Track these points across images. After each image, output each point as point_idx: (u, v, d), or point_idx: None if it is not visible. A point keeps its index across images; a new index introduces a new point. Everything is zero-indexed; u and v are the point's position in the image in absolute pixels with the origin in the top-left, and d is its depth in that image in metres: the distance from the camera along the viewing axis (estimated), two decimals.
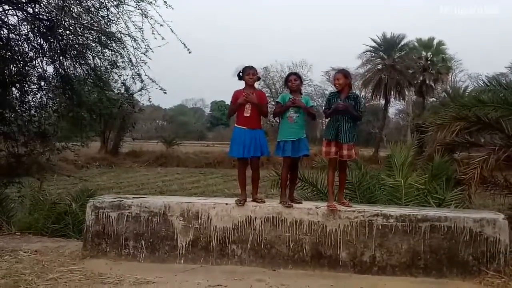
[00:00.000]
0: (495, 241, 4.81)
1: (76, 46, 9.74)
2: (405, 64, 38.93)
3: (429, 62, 38.95)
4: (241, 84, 5.44)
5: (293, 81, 5.39)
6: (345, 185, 5.75)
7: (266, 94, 6.25)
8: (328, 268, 4.99)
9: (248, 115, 5.30)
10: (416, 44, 39.75)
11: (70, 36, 9.70)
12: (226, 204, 5.29)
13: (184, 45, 9.22)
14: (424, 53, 39.42)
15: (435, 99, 37.52)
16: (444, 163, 7.43)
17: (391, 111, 48.59)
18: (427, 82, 38.40)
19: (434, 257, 4.86)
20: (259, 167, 5.47)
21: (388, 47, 39.91)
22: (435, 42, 39.15)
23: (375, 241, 4.95)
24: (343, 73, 5.39)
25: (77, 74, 10.29)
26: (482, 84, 8.79)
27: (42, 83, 10.36)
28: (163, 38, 8.91)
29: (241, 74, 5.42)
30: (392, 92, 40.00)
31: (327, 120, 5.42)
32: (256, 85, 5.60)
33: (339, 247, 5.00)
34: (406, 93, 40.80)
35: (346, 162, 5.41)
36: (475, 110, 7.44)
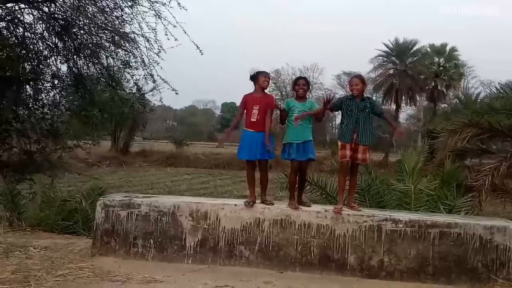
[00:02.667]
0: (505, 249, 4.77)
1: (90, 45, 9.85)
2: (417, 70, 38.76)
3: (441, 68, 38.73)
4: (251, 88, 5.45)
5: (301, 85, 5.39)
6: (355, 189, 5.71)
7: (277, 97, 6.27)
8: (335, 272, 4.98)
9: (255, 120, 5.30)
10: (428, 49, 39.58)
11: (84, 36, 9.81)
12: (235, 205, 5.30)
13: (197, 46, 9.30)
14: (436, 59, 39.21)
15: (446, 105, 37.21)
16: (455, 170, 7.38)
17: (402, 116, 48.28)
18: (439, 88, 38.18)
19: (443, 264, 4.83)
20: (267, 169, 5.48)
21: (400, 52, 39.79)
22: (447, 48, 38.95)
23: (384, 246, 4.93)
24: (361, 79, 5.43)
25: (90, 73, 10.41)
26: (495, 91, 8.73)
27: (56, 82, 10.50)
28: (176, 39, 8.99)
29: (254, 76, 5.43)
30: (404, 97, 39.84)
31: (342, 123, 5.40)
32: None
33: (347, 251, 4.99)
34: (418, 98, 40.61)
35: (358, 165, 5.40)
36: (487, 117, 7.39)
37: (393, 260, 4.91)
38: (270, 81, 5.69)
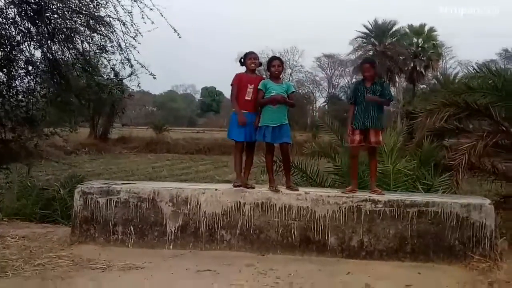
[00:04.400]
0: (481, 226, 4.86)
1: (64, 30, 9.59)
2: (396, 51, 39.00)
3: (420, 48, 39.08)
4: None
5: (277, 67, 5.35)
6: (376, 172, 5.65)
7: None
8: (316, 253, 5.03)
9: (250, 98, 5.29)
10: (407, 30, 39.86)
11: (58, 20, 9.54)
12: (216, 189, 5.29)
13: (174, 29, 9.13)
14: (415, 40, 39.53)
15: (425, 86, 37.70)
16: (433, 149, 7.47)
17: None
18: (418, 68, 38.56)
19: (421, 242, 4.91)
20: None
21: (379, 33, 39.95)
22: (426, 28, 39.28)
23: (363, 226, 4.99)
24: (372, 64, 5.45)
25: (66, 59, 10.15)
26: (472, 71, 8.81)
27: (30, 68, 10.21)
28: (152, 23, 8.81)
29: (242, 59, 5.45)
30: (383, 78, 40.05)
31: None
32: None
33: (328, 232, 5.03)
34: (397, 79, 40.97)
35: (375, 149, 5.44)
36: (465, 96, 7.46)
37: (372, 240, 4.97)
38: (262, 63, 5.65)
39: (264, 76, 6.35)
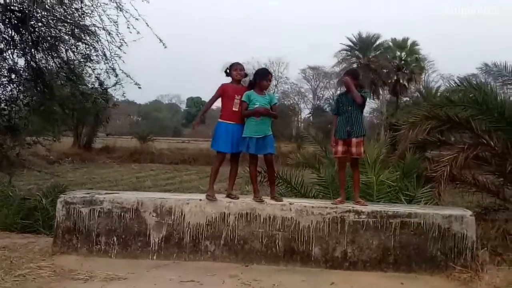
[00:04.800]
0: (462, 237, 4.93)
1: (49, 38, 9.55)
2: (379, 64, 39.50)
3: (403, 62, 39.63)
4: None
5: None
6: (359, 183, 5.66)
7: None
8: (300, 264, 5.04)
9: (237, 109, 5.31)
10: (390, 44, 40.43)
11: (43, 28, 9.51)
12: (200, 200, 5.28)
13: (160, 39, 9.15)
14: (398, 53, 40.09)
15: (408, 99, 38.13)
16: (416, 161, 7.58)
17: (366, 109, 49.06)
18: (401, 81, 39.08)
19: (403, 253, 4.96)
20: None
21: (363, 46, 40.46)
22: (409, 42, 39.89)
23: (347, 237, 5.02)
24: (351, 74, 5.55)
25: (50, 67, 10.08)
26: (454, 85, 8.97)
27: (13, 76, 10.12)
28: (138, 32, 8.82)
29: (228, 70, 5.46)
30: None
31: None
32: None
33: (312, 243, 5.05)
34: (381, 92, 41.40)
35: (356, 160, 5.47)
36: (446, 109, 7.60)
37: (356, 251, 5.01)
38: (247, 74, 5.68)
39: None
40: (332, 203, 5.25)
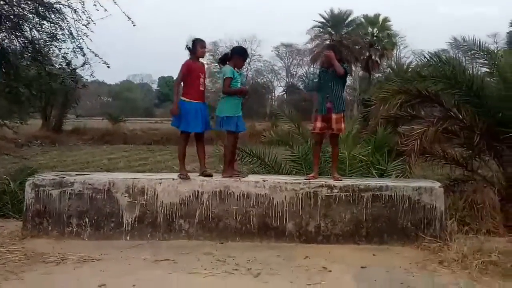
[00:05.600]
0: (432, 208, 5.06)
1: (12, 17, 9.19)
2: (352, 40, 39.71)
3: (375, 38, 39.89)
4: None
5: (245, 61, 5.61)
6: (337, 159, 5.74)
7: (215, 70, 6.17)
8: (275, 239, 5.09)
9: (203, 89, 5.30)
10: (362, 20, 40.62)
11: (5, 7, 9.13)
12: (173, 179, 5.25)
13: (128, 17, 8.93)
14: (370, 29, 40.33)
15: (380, 75, 38.50)
16: (387, 136, 7.66)
17: None
18: (373, 57, 39.43)
19: (375, 225, 5.06)
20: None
21: (335, 23, 40.55)
22: (380, 18, 40.16)
23: (320, 211, 5.08)
24: (333, 49, 5.53)
25: (14, 47, 9.74)
26: (424, 60, 9.05)
27: None
28: (105, 10, 8.58)
29: (192, 46, 5.32)
30: None
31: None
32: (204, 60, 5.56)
33: (286, 218, 5.10)
34: (353, 68, 41.68)
35: (336, 136, 5.51)
36: (416, 84, 7.66)
37: (329, 225, 5.08)
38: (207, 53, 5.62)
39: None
40: (305, 179, 5.29)
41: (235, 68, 5.39)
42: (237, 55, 5.46)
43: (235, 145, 5.58)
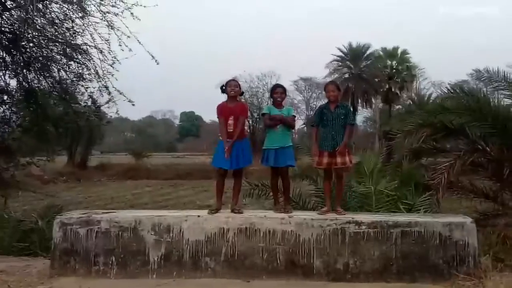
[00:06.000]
0: (464, 245, 4.90)
1: (40, 58, 9.55)
2: (371, 73, 39.77)
3: (394, 70, 39.87)
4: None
5: (280, 94, 5.56)
6: (341, 194, 5.70)
7: None
8: (302, 277, 4.98)
9: (232, 130, 5.36)
10: (381, 53, 40.71)
11: (34, 49, 9.51)
12: (199, 216, 5.23)
13: (152, 56, 9.17)
14: (389, 62, 40.34)
15: (401, 106, 38.29)
16: (412, 169, 7.57)
17: (359, 118, 49.32)
18: (393, 90, 39.27)
19: (406, 263, 4.92)
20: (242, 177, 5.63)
21: (354, 56, 40.78)
22: (399, 51, 40.18)
23: (348, 248, 4.98)
24: (336, 85, 5.66)
25: (42, 87, 10.06)
26: (446, 91, 9.00)
27: (5, 97, 10.09)
28: (130, 50, 8.84)
29: (224, 87, 5.52)
30: (360, 100, 40.76)
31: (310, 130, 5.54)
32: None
33: (313, 255, 5.01)
34: (373, 101, 41.64)
35: (341, 170, 5.47)
36: (440, 117, 7.61)
37: (358, 262, 4.96)
38: (243, 92, 5.74)
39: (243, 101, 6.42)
40: (318, 213, 5.27)
41: (278, 104, 5.55)
42: (270, 92, 5.72)
43: (274, 181, 5.60)
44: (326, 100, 5.69)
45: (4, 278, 5.02)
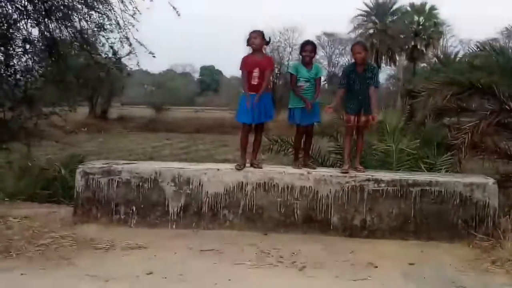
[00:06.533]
0: (484, 205, 4.86)
1: (62, 7, 9.44)
2: (396, 29, 38.68)
3: (420, 27, 38.71)
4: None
5: (309, 52, 5.36)
6: (362, 150, 5.69)
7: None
8: (319, 232, 5.03)
9: (256, 83, 5.26)
10: (408, 8, 39.48)
11: None
12: (218, 169, 5.27)
13: (173, 7, 9.00)
14: (416, 18, 39.14)
15: (426, 65, 37.37)
16: (435, 129, 7.44)
17: (382, 76, 48.43)
18: (419, 47, 38.30)
19: (424, 221, 4.92)
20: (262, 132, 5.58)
21: (380, 11, 39.63)
22: (427, 7, 38.90)
23: (366, 205, 4.98)
24: (363, 46, 5.46)
25: (63, 37, 10.01)
26: (475, 49, 8.68)
27: (27, 46, 10.08)
28: (151, 0, 8.68)
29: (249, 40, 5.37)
30: (383, 57, 39.87)
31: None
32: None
33: (331, 211, 5.03)
34: (397, 58, 40.69)
35: (363, 128, 5.43)
36: (468, 75, 7.37)
37: (375, 219, 4.98)
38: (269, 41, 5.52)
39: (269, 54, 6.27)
40: (341, 171, 5.21)
41: (307, 63, 5.37)
42: (299, 50, 5.50)
43: (298, 138, 5.58)
44: (349, 57, 5.54)
45: (29, 224, 5.17)
